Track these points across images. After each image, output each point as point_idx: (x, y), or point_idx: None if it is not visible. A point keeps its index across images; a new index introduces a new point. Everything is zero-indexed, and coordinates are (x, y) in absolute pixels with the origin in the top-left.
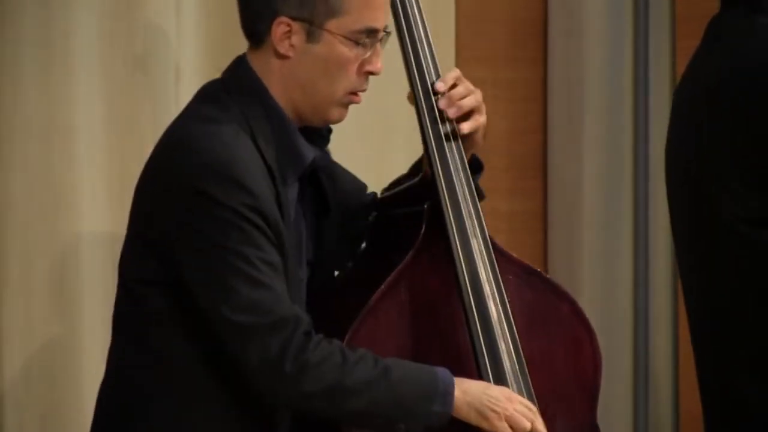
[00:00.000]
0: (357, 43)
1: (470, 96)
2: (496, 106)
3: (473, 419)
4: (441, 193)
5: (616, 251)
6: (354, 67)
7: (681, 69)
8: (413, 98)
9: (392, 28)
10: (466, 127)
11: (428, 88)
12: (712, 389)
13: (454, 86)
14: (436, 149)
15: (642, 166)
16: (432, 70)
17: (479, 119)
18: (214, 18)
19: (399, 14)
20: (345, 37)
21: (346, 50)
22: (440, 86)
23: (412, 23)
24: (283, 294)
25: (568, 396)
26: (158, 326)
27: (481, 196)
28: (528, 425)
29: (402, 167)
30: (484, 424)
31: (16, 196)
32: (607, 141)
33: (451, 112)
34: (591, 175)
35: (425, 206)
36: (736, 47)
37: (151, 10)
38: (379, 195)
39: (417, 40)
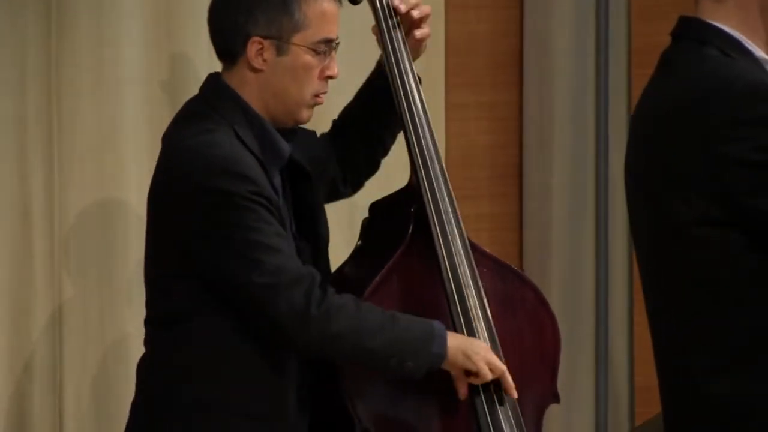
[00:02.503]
0: (317, 52)
1: (421, 6)
2: (480, 125)
3: (460, 360)
4: (426, 199)
5: (580, 248)
6: (316, 73)
7: (636, 93)
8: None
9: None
10: (419, 33)
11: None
12: (674, 388)
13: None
14: (422, 165)
15: (603, 175)
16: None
17: (426, 30)
18: None
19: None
20: (308, 48)
21: (310, 59)
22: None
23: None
24: (295, 257)
25: (534, 369)
26: (189, 313)
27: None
28: (503, 367)
29: (393, 163)
30: (468, 365)
31: (74, 211)
32: (573, 154)
33: (402, 7)
34: (559, 183)
35: (411, 210)
36: (686, 76)
37: (188, 43)
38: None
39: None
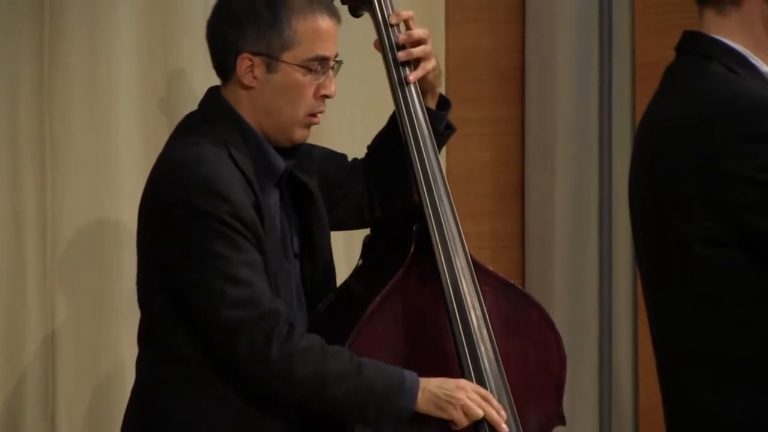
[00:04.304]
0: (310, 69)
1: (420, 47)
2: (481, 140)
3: (433, 412)
4: (428, 219)
5: (583, 265)
6: (310, 92)
7: (640, 109)
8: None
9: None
10: (416, 74)
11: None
12: (678, 407)
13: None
14: (424, 183)
15: (606, 192)
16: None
17: (427, 65)
18: None
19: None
20: (299, 66)
21: (301, 77)
22: (393, 18)
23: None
24: (265, 291)
25: (538, 390)
26: (165, 330)
27: (451, 128)
28: (480, 412)
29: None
30: (443, 415)
31: (68, 222)
32: (576, 171)
33: (402, 55)
34: (562, 200)
35: (414, 228)
36: (690, 91)
37: (184, 59)
38: (365, 153)
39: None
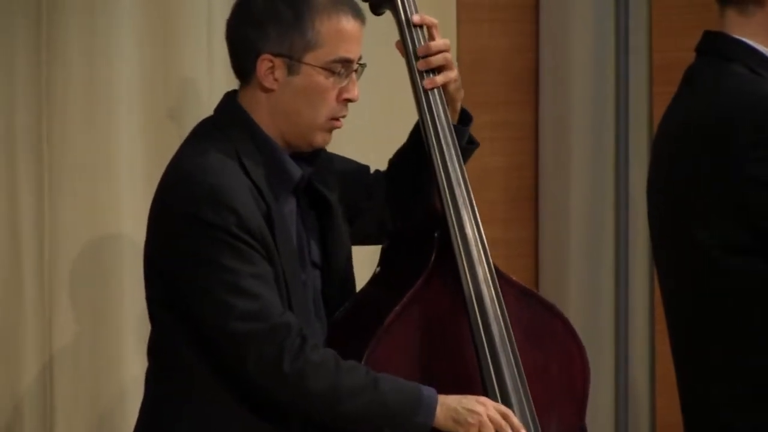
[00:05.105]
0: (333, 72)
1: (441, 54)
2: (494, 145)
3: (452, 428)
4: (451, 227)
5: (598, 273)
6: (333, 95)
7: (657, 111)
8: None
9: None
10: (434, 81)
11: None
12: (698, 422)
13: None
14: (447, 189)
15: (623, 197)
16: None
17: (449, 74)
18: None
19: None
20: (321, 68)
21: (323, 80)
22: (416, 18)
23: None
24: (275, 303)
25: (561, 403)
26: (173, 343)
27: (475, 143)
28: (506, 425)
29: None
30: (460, 430)
31: (66, 225)
32: (591, 176)
33: (420, 65)
34: (577, 206)
35: (435, 235)
36: (710, 93)
37: (186, 63)
38: (387, 165)
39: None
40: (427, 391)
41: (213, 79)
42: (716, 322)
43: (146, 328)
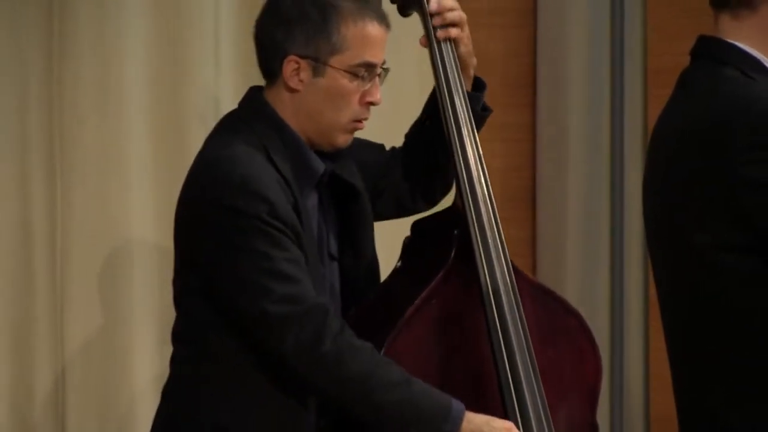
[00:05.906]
0: (356, 75)
1: (456, 12)
2: (492, 147)
3: None
4: (470, 223)
5: (595, 273)
6: (356, 98)
7: (652, 114)
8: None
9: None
10: (448, 32)
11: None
12: (692, 417)
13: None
14: (468, 184)
15: (618, 199)
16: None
17: (463, 31)
18: (251, 67)
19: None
20: (346, 71)
21: (347, 82)
22: (433, 5)
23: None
24: (309, 287)
25: (573, 398)
26: (201, 330)
27: (488, 110)
28: None
29: None
30: None
31: (78, 220)
32: (588, 177)
33: (436, 21)
34: (574, 207)
35: (455, 232)
36: (705, 96)
37: (195, 62)
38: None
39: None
40: (456, 403)
41: (219, 76)
42: (712, 323)
43: (157, 321)
